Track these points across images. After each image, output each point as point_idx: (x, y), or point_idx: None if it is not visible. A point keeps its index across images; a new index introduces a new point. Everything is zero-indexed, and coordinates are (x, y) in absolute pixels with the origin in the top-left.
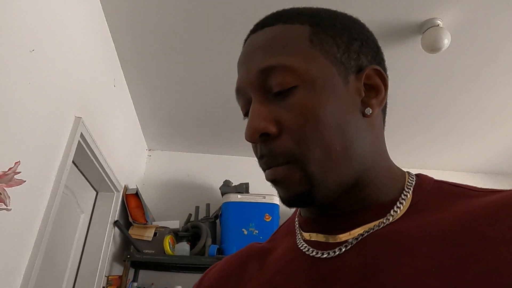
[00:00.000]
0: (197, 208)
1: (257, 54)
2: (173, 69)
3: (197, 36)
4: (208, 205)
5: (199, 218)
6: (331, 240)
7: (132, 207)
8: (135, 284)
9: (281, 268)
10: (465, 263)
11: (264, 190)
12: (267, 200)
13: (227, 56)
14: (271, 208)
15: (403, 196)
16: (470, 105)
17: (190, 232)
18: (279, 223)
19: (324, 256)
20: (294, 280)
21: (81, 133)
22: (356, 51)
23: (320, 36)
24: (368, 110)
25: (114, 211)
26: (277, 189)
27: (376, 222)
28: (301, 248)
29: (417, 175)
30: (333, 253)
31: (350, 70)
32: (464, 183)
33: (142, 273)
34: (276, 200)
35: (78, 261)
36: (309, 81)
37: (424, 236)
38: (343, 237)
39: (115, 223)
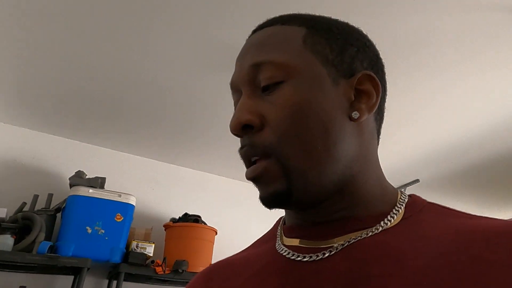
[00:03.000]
0: (36, 197)
1: (251, 51)
2: (37, 27)
3: None
4: (50, 195)
5: (36, 209)
6: (314, 245)
7: None
8: None
9: (256, 271)
10: (461, 282)
11: (122, 188)
12: (122, 199)
13: (110, 31)
14: (125, 208)
15: (394, 211)
16: None
17: (19, 224)
18: (130, 225)
19: (306, 259)
20: (269, 282)
21: None
22: (351, 56)
23: (314, 37)
24: (355, 114)
25: None
26: (258, 189)
27: (365, 231)
28: (280, 251)
29: (410, 195)
30: (315, 257)
31: (341, 73)
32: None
33: None
34: (132, 201)
35: None
36: (295, 78)
37: (417, 250)
38: (327, 243)
39: None
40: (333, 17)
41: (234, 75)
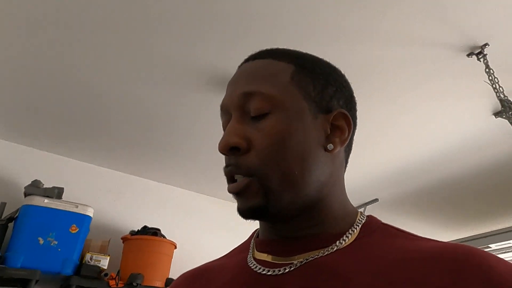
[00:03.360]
0: None
1: (243, 79)
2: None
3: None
4: (3, 204)
5: None
6: (278, 261)
7: None
8: None
9: (227, 281)
10: None
11: (81, 199)
12: (79, 210)
13: (77, 43)
14: (82, 219)
15: (350, 231)
16: None
17: None
18: (86, 236)
19: (269, 273)
20: None
21: None
22: (330, 94)
23: (300, 75)
24: (330, 146)
25: None
26: (237, 201)
27: (322, 250)
28: (250, 265)
29: (368, 216)
30: (277, 271)
31: (320, 109)
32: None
33: None
34: (90, 212)
35: None
36: (281, 110)
37: (359, 270)
38: (289, 259)
39: None
40: (286, 45)
41: (226, 99)
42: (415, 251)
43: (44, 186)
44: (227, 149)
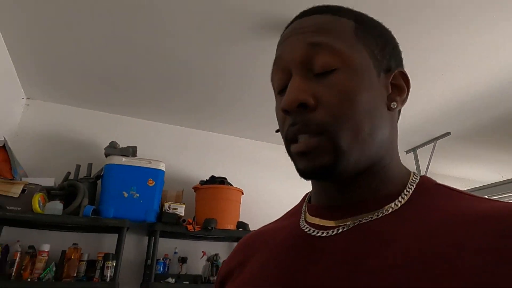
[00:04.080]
0: (78, 166)
1: (306, 31)
2: (57, 14)
3: None
4: (90, 165)
5: (79, 177)
6: (328, 224)
7: None
8: None
9: (280, 243)
10: (434, 263)
11: (153, 155)
12: (152, 165)
13: (124, 6)
14: (156, 173)
15: (402, 195)
16: None
17: (65, 191)
18: (162, 188)
19: (319, 234)
20: (288, 254)
21: None
22: (389, 53)
23: (363, 31)
24: (394, 104)
25: None
26: (299, 162)
27: (376, 212)
28: (302, 227)
29: (421, 176)
30: (326, 233)
31: (382, 67)
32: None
33: (7, 230)
34: (162, 166)
35: None
36: (350, 66)
37: (404, 233)
38: (341, 222)
39: None
40: None
41: (285, 52)
42: (466, 212)
43: (120, 146)
44: (295, 106)
